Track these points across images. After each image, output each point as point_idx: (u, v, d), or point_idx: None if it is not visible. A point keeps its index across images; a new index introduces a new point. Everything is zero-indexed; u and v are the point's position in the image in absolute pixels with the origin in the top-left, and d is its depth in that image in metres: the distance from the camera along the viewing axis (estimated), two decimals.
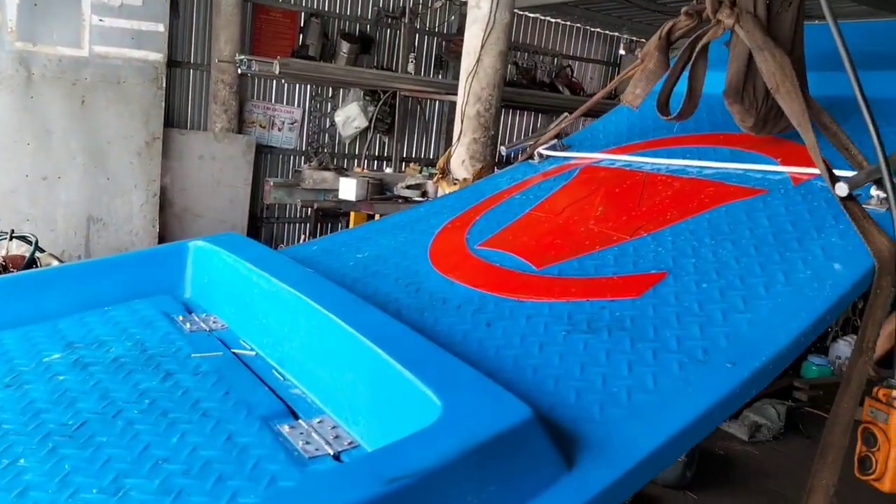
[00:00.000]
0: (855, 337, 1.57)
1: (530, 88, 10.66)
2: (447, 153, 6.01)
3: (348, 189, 6.51)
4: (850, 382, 1.49)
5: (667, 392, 1.35)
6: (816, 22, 2.03)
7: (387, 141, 10.76)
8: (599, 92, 2.77)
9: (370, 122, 10.02)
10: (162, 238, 8.35)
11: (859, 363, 1.50)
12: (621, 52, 12.64)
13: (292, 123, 10.00)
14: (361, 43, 9.94)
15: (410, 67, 10.20)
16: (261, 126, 9.74)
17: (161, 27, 8.02)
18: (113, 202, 8.08)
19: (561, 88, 11.38)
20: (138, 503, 1.13)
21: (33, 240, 3.47)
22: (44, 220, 7.65)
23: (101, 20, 7.66)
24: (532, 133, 11.13)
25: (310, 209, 8.57)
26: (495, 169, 5.37)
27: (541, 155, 2.71)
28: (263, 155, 9.73)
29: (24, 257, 3.38)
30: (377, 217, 5.45)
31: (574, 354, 1.48)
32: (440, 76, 10.68)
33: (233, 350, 1.66)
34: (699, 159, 2.25)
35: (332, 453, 1.28)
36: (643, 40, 11.31)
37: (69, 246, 7.84)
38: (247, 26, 9.19)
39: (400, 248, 2.15)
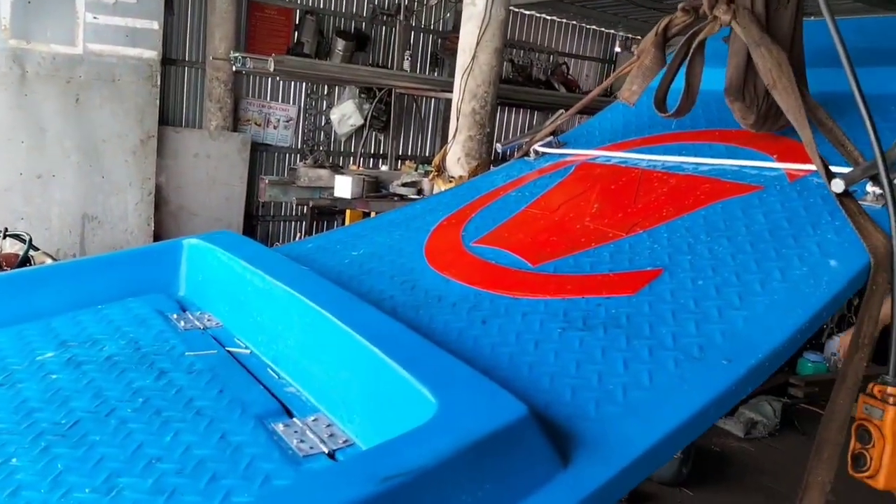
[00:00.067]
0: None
1: (526, 86, 10.66)
2: (443, 151, 6.00)
3: (344, 187, 6.51)
4: (846, 379, 1.49)
5: (663, 389, 1.34)
6: (812, 18, 2.03)
7: (382, 139, 10.75)
8: (595, 89, 2.76)
9: (366, 119, 10.01)
10: (157, 236, 8.34)
11: (855, 360, 1.50)
12: (617, 49, 12.66)
13: (288, 121, 9.98)
14: (357, 40, 9.93)
15: (406, 65, 10.19)
16: (256, 124, 9.73)
17: (155, 25, 7.99)
18: (108, 200, 8.06)
19: (557, 86, 11.39)
20: (131, 502, 1.12)
21: (27, 238, 3.45)
22: (38, 219, 7.63)
23: (95, 17, 7.63)
24: (528, 130, 11.13)
25: (305, 207, 8.54)
26: (491, 166, 5.37)
27: (536, 152, 2.70)
28: (259, 153, 9.72)
29: (17, 256, 3.36)
30: (373, 215, 5.45)
31: (570, 352, 1.48)
32: (436, 73, 10.67)
33: (227, 348, 1.65)
34: (695, 156, 2.24)
35: (326, 452, 1.28)
36: (639, 37, 11.32)
37: (64, 244, 7.82)
38: (242, 23, 9.16)
39: (395, 246, 2.15)
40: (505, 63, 10.07)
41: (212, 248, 1.91)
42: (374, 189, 6.75)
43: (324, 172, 7.15)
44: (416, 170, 7.64)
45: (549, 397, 1.34)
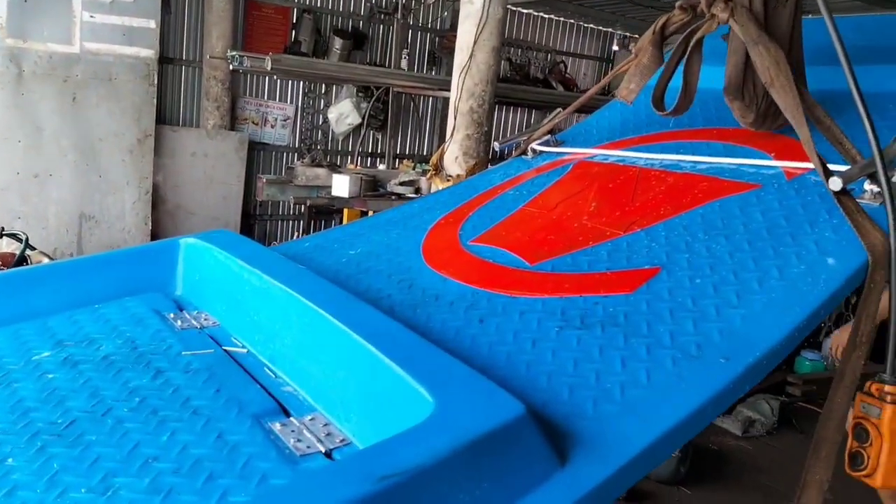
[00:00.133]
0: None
1: (524, 84, 10.66)
2: (440, 150, 6.01)
3: (341, 186, 6.51)
4: (844, 377, 1.49)
5: (660, 388, 1.34)
6: (810, 16, 2.02)
7: (380, 137, 10.74)
8: (593, 87, 2.76)
9: (363, 118, 10.00)
10: (154, 235, 8.33)
11: (853, 358, 1.50)
12: (615, 48, 12.66)
13: (285, 120, 9.97)
14: (354, 39, 9.92)
15: (403, 63, 10.19)
16: (253, 123, 9.72)
17: (153, 23, 7.98)
18: (105, 200, 8.05)
19: (554, 84, 11.39)
20: (128, 502, 1.12)
21: (24, 237, 3.44)
22: (35, 218, 7.62)
23: (92, 16, 7.62)
24: (525, 129, 11.13)
25: (303, 206, 8.55)
26: (488, 165, 5.37)
27: (534, 150, 2.70)
28: (256, 152, 9.71)
29: (14, 255, 3.35)
30: (370, 214, 5.44)
31: (567, 350, 1.48)
32: (433, 72, 10.67)
33: (224, 347, 1.65)
34: (693, 154, 2.24)
35: (323, 451, 1.27)
36: (636, 36, 11.33)
37: (61, 244, 7.80)
38: (239, 22, 9.15)
39: (393, 245, 2.14)
40: (503, 62, 10.05)
41: (209, 248, 1.90)
42: (372, 188, 6.75)
43: (321, 171, 7.14)
44: (413, 169, 7.63)
45: (546, 396, 1.34)
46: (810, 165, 1.75)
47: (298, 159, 9.05)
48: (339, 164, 9.16)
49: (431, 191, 5.77)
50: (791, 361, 6.14)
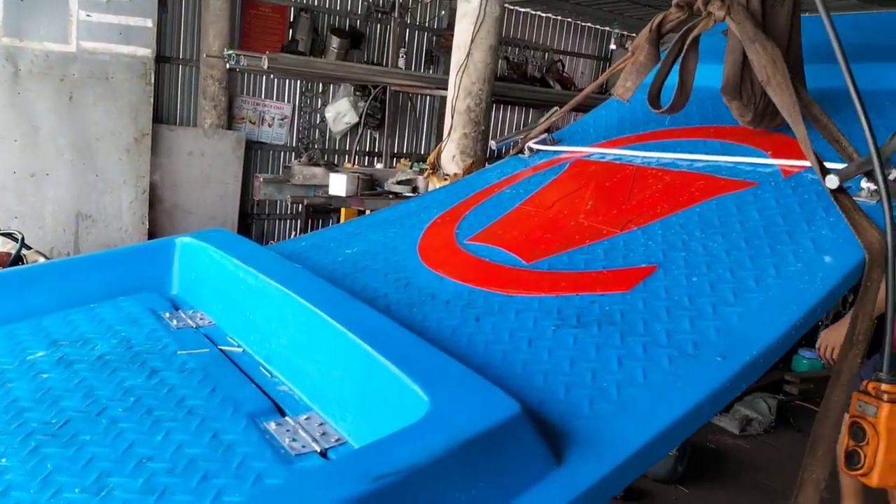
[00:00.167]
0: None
1: (521, 83, 10.67)
2: (438, 148, 6.00)
3: (339, 185, 6.50)
4: (841, 376, 1.49)
5: (657, 386, 1.34)
6: (807, 14, 2.02)
7: (377, 136, 10.74)
8: (590, 86, 2.75)
9: (360, 117, 10.00)
10: (151, 235, 8.32)
11: (850, 356, 1.50)
12: (612, 46, 12.66)
13: (282, 119, 9.96)
14: (351, 38, 9.90)
15: (401, 62, 10.18)
16: (250, 122, 9.70)
17: (149, 22, 7.97)
18: (102, 199, 8.03)
19: (552, 83, 11.39)
20: (122, 502, 1.12)
21: (19, 237, 3.43)
22: (32, 217, 7.61)
23: (88, 15, 7.61)
24: (523, 128, 11.13)
25: (300, 205, 8.52)
26: (485, 164, 5.36)
27: (531, 149, 2.69)
28: (253, 151, 9.70)
29: (9, 254, 3.34)
30: (367, 213, 5.44)
31: (563, 349, 1.47)
32: (430, 71, 10.66)
33: (219, 347, 1.64)
34: (689, 152, 2.24)
35: (318, 450, 1.27)
36: (634, 34, 11.31)
37: (58, 243, 7.79)
38: (236, 21, 9.14)
39: (389, 244, 2.14)
40: (500, 60, 10.06)
41: (204, 247, 1.89)
42: (369, 187, 6.74)
43: (318, 170, 7.13)
44: (410, 167, 7.63)
45: (542, 395, 1.33)
46: (807, 163, 1.75)
47: (296, 158, 9.02)
48: (336, 163, 9.15)
49: (428, 189, 5.76)
50: (788, 360, 6.15)
